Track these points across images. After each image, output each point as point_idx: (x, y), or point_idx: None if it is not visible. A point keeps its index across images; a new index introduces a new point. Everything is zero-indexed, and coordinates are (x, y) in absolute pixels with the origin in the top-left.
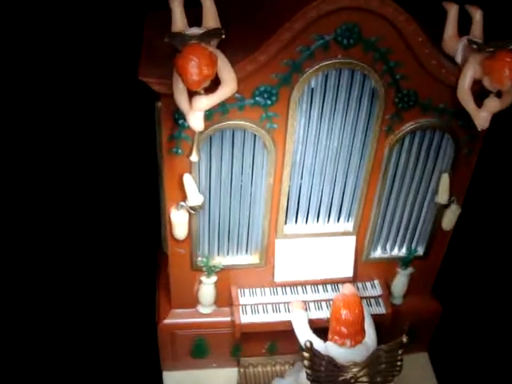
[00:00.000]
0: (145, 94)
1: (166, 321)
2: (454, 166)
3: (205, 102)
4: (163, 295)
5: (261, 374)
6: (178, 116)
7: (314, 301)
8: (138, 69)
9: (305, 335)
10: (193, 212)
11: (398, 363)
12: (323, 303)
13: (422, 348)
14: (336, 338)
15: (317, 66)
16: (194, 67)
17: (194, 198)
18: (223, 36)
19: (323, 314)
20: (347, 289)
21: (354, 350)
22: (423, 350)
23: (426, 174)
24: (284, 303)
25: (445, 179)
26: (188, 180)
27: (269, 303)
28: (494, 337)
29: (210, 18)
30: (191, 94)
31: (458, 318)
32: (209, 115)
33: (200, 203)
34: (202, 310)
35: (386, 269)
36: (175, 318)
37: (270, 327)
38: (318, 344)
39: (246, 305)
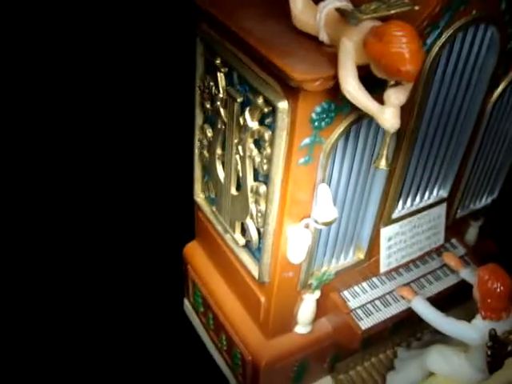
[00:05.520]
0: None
1: (268, 357)
2: None
3: (405, 94)
4: (245, 329)
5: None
6: (316, 116)
7: (414, 281)
8: (284, 69)
9: (439, 319)
10: (322, 228)
11: None
12: (422, 280)
13: None
14: (491, 315)
15: (456, 26)
16: (412, 53)
17: (329, 211)
18: (416, 7)
19: (427, 290)
20: (448, 257)
21: (506, 321)
22: None
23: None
24: (389, 293)
25: None
26: (325, 191)
27: (376, 299)
28: None
29: None
30: None
31: None
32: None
33: (335, 217)
34: (301, 330)
35: (459, 225)
36: (275, 349)
37: (389, 322)
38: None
39: (355, 309)
